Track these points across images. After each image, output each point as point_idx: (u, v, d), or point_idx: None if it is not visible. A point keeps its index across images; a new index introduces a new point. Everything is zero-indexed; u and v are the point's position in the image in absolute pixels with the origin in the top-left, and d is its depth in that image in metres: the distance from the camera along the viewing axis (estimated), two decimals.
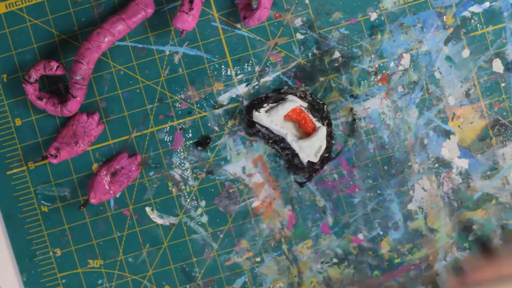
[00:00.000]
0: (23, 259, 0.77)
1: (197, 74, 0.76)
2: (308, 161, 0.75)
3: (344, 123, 0.76)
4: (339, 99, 0.76)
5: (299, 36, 0.76)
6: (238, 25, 0.76)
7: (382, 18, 0.76)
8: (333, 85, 0.76)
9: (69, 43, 0.76)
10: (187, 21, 0.73)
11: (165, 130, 0.77)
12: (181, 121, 0.77)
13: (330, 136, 0.76)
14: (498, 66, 0.76)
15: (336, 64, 0.76)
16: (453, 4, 0.76)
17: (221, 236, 0.77)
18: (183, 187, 0.77)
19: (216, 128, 0.77)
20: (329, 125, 0.76)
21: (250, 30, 0.76)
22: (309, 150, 0.75)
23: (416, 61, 0.76)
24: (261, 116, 0.75)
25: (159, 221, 0.77)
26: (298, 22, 0.76)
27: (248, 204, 0.77)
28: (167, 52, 0.76)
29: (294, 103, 0.74)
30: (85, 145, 0.76)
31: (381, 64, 0.76)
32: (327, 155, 0.76)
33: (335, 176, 0.77)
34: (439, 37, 0.76)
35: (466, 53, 0.76)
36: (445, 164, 0.77)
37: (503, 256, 0.76)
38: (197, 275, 0.78)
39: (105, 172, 0.76)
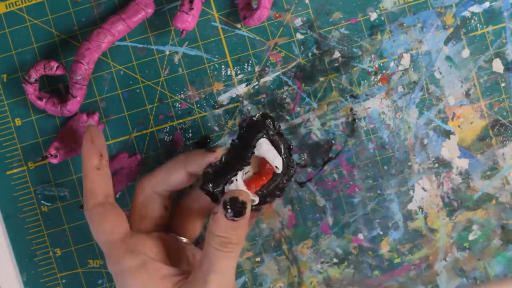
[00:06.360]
0: (23, 259, 0.77)
1: (197, 74, 0.76)
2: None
3: (344, 123, 0.76)
4: (339, 99, 0.76)
5: (299, 36, 0.76)
6: (238, 25, 0.76)
7: (382, 18, 0.76)
8: (333, 85, 0.76)
9: (69, 43, 0.76)
10: (187, 21, 0.73)
11: (165, 130, 0.77)
12: (181, 121, 0.77)
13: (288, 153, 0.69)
14: (498, 66, 0.76)
15: (336, 64, 0.76)
16: (453, 4, 0.76)
17: None
18: None
19: (216, 128, 0.77)
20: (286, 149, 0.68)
21: (250, 30, 0.76)
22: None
23: (416, 61, 0.76)
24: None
25: None
26: (298, 22, 0.76)
27: None
28: (167, 52, 0.76)
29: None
30: None
31: (381, 64, 0.76)
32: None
33: (335, 176, 0.77)
34: (439, 37, 0.76)
35: (466, 53, 0.76)
36: (445, 164, 0.77)
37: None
38: None
39: None
